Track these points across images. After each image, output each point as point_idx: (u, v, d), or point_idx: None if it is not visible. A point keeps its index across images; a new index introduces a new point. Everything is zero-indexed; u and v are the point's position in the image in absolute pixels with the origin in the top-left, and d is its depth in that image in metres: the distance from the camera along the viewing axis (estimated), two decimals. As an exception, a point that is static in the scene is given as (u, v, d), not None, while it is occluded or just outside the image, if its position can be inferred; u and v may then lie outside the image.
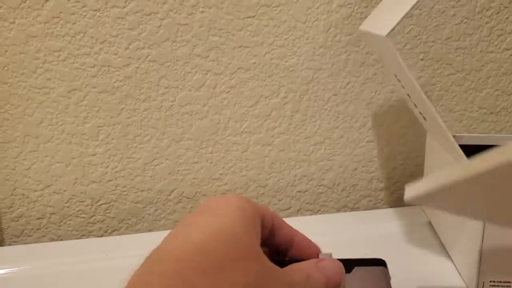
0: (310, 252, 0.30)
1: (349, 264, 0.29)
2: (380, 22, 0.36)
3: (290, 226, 0.29)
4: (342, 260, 0.29)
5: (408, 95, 0.38)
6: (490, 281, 0.34)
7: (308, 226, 0.48)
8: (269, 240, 0.28)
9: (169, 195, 0.50)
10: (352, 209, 0.54)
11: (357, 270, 0.30)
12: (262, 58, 0.48)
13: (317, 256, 0.30)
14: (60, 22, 0.43)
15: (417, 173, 0.54)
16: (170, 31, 0.45)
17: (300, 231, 0.47)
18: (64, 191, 0.48)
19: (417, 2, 0.31)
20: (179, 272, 0.20)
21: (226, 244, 0.21)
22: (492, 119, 0.54)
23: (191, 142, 0.49)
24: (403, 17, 0.31)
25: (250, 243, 0.22)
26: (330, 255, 0.29)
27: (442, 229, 0.43)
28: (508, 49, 0.52)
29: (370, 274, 0.30)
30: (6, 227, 0.48)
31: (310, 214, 0.53)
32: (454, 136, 0.35)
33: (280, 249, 0.29)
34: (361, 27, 0.42)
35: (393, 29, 0.31)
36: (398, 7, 0.34)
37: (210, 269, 0.20)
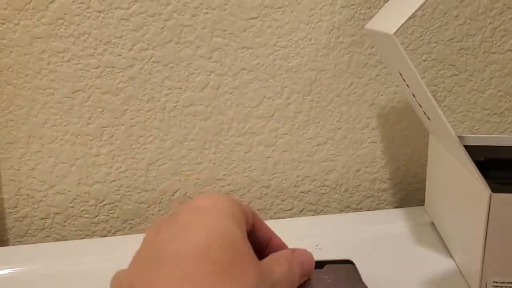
0: None
1: (319, 263, 0.30)
2: (387, 21, 0.36)
3: (269, 228, 0.29)
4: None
5: (413, 94, 0.38)
6: (493, 282, 0.34)
7: (310, 227, 0.49)
8: (248, 238, 0.28)
9: (173, 195, 0.50)
10: (355, 210, 0.54)
11: (328, 268, 0.31)
12: (265, 59, 0.48)
13: None
14: (65, 24, 0.44)
15: (420, 174, 0.54)
16: (173, 32, 0.45)
17: (303, 232, 0.47)
18: (68, 191, 0.48)
19: (425, 1, 0.31)
20: (188, 275, 0.20)
21: (229, 252, 0.22)
22: (495, 120, 0.54)
23: (195, 143, 0.49)
24: (411, 16, 0.31)
25: (248, 249, 0.23)
26: None
27: (444, 229, 0.43)
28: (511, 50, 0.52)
29: (341, 270, 0.31)
30: (10, 227, 0.48)
31: (313, 215, 0.54)
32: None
33: (256, 249, 0.29)
34: (367, 26, 0.42)
35: (400, 27, 0.31)
36: (405, 6, 0.34)
37: (217, 275, 0.20)
